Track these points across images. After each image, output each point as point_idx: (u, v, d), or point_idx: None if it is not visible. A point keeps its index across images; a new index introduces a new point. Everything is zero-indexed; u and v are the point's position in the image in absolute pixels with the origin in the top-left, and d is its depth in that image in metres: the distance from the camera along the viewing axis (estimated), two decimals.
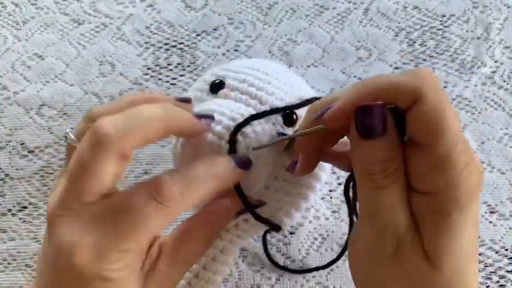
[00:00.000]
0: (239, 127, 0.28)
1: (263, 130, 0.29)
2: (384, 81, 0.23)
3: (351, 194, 0.30)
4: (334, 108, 0.24)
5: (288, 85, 0.31)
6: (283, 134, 0.30)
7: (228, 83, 0.31)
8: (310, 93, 0.33)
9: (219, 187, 0.26)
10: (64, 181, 0.24)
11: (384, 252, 0.24)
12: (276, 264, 0.38)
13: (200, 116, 0.28)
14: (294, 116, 0.30)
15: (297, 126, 0.30)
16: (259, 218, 0.31)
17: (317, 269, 0.39)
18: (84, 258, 0.23)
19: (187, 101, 0.29)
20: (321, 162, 0.32)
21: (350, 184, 0.30)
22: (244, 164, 0.28)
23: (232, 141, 0.28)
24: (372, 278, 0.25)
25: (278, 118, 0.30)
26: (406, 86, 0.22)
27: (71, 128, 0.27)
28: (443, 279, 0.23)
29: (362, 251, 0.25)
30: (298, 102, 0.30)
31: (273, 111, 0.29)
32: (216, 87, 0.32)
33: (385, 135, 0.23)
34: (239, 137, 0.28)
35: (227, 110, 0.29)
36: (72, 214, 0.24)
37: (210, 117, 0.28)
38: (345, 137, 0.28)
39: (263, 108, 0.30)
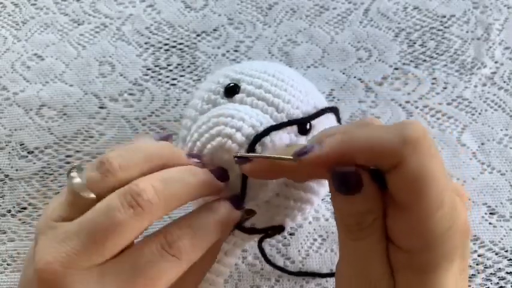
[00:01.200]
0: (259, 137, 0.28)
1: (280, 139, 0.29)
2: (367, 142, 0.22)
3: None
4: (312, 155, 0.24)
5: (303, 93, 0.31)
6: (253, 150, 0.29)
7: (243, 87, 0.31)
8: (322, 101, 0.33)
9: (224, 232, 0.27)
10: (74, 236, 0.22)
11: None
12: (275, 266, 0.38)
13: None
14: (308, 126, 0.31)
15: (310, 136, 0.31)
16: (247, 231, 0.31)
17: (319, 275, 0.39)
18: None
19: (200, 158, 0.29)
20: None
21: None
22: (239, 205, 0.28)
23: (251, 151, 0.28)
24: None
25: (293, 127, 0.30)
26: (387, 149, 0.21)
27: (73, 167, 0.25)
28: None
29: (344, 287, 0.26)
30: (313, 111, 0.31)
31: (292, 122, 0.29)
32: (232, 91, 0.31)
33: (361, 191, 0.23)
34: (257, 147, 0.28)
35: (246, 116, 0.29)
36: (82, 273, 0.22)
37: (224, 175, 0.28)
38: None
39: (279, 116, 0.30)
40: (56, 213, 0.24)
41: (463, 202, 0.24)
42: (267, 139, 0.28)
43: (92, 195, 0.24)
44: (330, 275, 0.39)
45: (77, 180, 0.24)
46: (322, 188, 0.32)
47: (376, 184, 0.23)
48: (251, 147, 0.28)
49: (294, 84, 0.31)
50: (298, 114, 0.30)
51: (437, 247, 0.22)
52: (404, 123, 0.22)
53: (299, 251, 0.40)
